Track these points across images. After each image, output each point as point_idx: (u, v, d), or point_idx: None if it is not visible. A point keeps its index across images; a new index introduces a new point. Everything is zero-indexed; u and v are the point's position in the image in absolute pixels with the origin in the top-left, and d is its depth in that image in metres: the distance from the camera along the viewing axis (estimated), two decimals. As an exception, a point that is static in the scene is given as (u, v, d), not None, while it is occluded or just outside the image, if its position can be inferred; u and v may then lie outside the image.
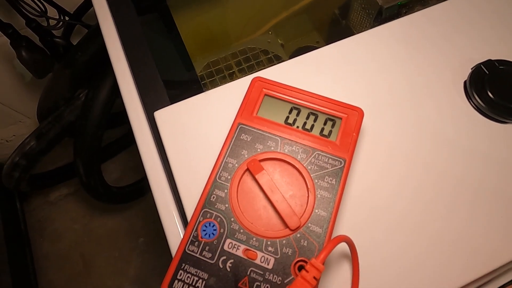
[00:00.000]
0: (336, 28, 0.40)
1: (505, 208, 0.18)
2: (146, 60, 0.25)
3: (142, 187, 0.72)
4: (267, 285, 0.14)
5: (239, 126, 0.18)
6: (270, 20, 0.38)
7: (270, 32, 0.39)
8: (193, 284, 0.15)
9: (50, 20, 0.41)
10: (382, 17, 0.34)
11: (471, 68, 0.22)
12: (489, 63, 0.21)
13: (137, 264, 0.76)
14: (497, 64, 0.21)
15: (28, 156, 0.46)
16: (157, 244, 0.78)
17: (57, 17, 0.41)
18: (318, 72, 0.22)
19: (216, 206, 0.16)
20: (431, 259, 0.17)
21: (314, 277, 0.13)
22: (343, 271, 0.17)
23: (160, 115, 0.21)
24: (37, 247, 0.77)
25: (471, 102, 0.21)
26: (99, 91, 0.40)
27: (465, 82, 0.22)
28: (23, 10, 0.37)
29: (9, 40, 0.38)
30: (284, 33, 0.39)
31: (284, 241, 0.15)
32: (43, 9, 0.39)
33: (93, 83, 0.41)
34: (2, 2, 0.36)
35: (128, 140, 0.82)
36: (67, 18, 0.42)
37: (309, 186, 0.16)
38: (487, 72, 0.21)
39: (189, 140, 0.20)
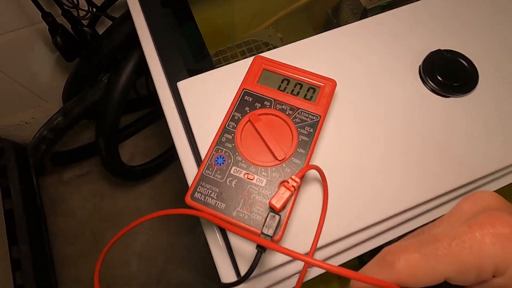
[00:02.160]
0: (329, 27, 0.46)
1: (439, 152, 0.24)
2: (169, 42, 0.31)
3: (151, 168, 0.79)
4: (260, 196, 0.21)
5: (243, 90, 0.24)
6: (272, 16, 0.44)
7: (271, 27, 0.45)
8: (208, 194, 0.21)
9: (80, 11, 0.47)
10: (367, 16, 0.40)
11: (426, 57, 0.28)
12: (438, 52, 0.28)
13: (143, 241, 0.82)
14: (444, 53, 0.28)
15: (55, 130, 0.52)
16: (161, 223, 0.84)
17: (86, 9, 0.47)
18: (306, 54, 0.28)
19: (225, 145, 0.22)
20: (385, 187, 0.23)
21: (293, 186, 0.20)
22: (317, 193, 0.23)
23: (182, 85, 0.28)
24: (50, 224, 0.83)
25: (423, 81, 0.27)
26: (120, 74, 0.47)
27: (419, 66, 0.28)
28: (61, 1, 0.43)
29: (47, 27, 0.44)
30: (283, 29, 0.45)
31: (273, 169, 0.21)
32: (76, 1, 0.45)
33: (115, 68, 0.48)
34: None
35: (137, 127, 0.88)
36: (94, 10, 0.49)
37: (293, 133, 0.22)
38: (436, 59, 0.27)
39: (204, 103, 0.26)
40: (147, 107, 0.87)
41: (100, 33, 0.49)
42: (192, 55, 0.32)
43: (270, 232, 0.19)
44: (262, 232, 0.19)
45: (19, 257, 0.71)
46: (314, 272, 0.23)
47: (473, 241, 0.12)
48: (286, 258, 0.21)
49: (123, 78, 0.46)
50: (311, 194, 0.23)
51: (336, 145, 0.25)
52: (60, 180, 0.88)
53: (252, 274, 0.19)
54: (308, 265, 0.21)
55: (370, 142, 0.25)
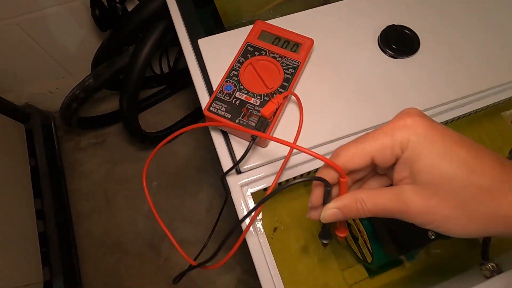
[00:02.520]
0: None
1: (388, 92, 0.34)
2: (192, 14, 0.41)
3: (160, 137, 0.89)
4: (255, 111, 0.30)
5: (247, 43, 0.34)
6: (272, 2, 0.54)
7: (271, 11, 0.55)
8: (219, 109, 0.31)
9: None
10: None
11: (382, 30, 0.38)
12: (392, 26, 0.37)
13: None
14: (396, 27, 0.37)
15: (86, 90, 0.62)
16: (168, 188, 0.94)
17: (119, -11, 0.57)
18: (295, 23, 0.38)
19: (232, 78, 0.32)
20: (343, 113, 0.33)
21: (277, 101, 0.29)
22: (296, 113, 0.32)
23: (201, 42, 0.37)
24: (68, 183, 0.93)
25: (380, 48, 0.37)
26: (145, 44, 0.56)
27: (378, 37, 0.38)
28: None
29: (83, 5, 0.54)
30: (281, 12, 0.55)
31: (265, 95, 0.31)
32: (112, -18, 0.55)
33: (140, 39, 0.57)
34: None
35: (150, 102, 0.98)
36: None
37: (280, 72, 0.32)
38: (390, 31, 0.37)
39: (217, 54, 0.36)
40: (160, 85, 0.97)
41: (129, 10, 0.58)
42: (208, 24, 0.41)
43: (261, 127, 0.28)
44: (255, 128, 0.28)
45: (42, 208, 0.81)
46: (296, 160, 0.33)
47: (387, 128, 0.20)
48: (272, 155, 0.31)
49: (147, 47, 0.56)
50: (291, 114, 0.33)
51: (310, 82, 0.34)
52: (77, 146, 0.98)
53: (246, 167, 0.28)
54: (291, 150, 0.31)
55: (336, 82, 0.34)
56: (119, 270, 0.84)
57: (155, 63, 0.94)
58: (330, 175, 0.22)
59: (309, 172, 0.33)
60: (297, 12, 0.40)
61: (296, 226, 0.48)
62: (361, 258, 0.42)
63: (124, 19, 0.57)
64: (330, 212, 0.22)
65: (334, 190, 0.23)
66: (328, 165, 0.21)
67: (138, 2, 0.61)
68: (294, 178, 0.32)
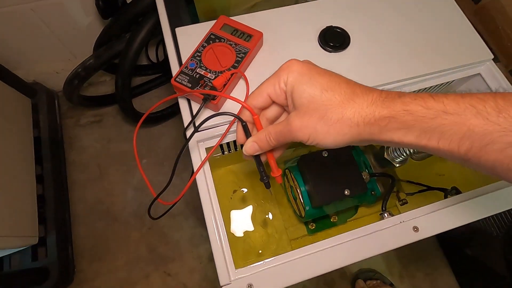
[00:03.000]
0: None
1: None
2: (175, 7, 0.50)
3: (152, 118, 0.98)
4: (210, 82, 0.40)
5: (211, 33, 0.44)
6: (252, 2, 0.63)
7: (251, 7, 0.65)
8: (183, 80, 0.40)
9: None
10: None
11: (321, 30, 0.47)
12: (329, 27, 0.47)
13: (139, 178, 1.01)
14: (332, 28, 0.47)
15: (87, 69, 0.72)
16: (156, 165, 1.03)
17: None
18: (255, 19, 0.47)
19: (196, 58, 0.42)
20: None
21: (226, 77, 0.39)
22: (243, 87, 0.42)
23: (178, 30, 0.47)
24: (66, 156, 1.02)
25: (319, 44, 0.47)
26: (140, 32, 0.66)
27: (318, 35, 0.47)
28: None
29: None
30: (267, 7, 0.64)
31: (219, 71, 0.41)
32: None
33: (136, 27, 0.67)
34: None
35: (144, 88, 1.08)
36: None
37: (233, 56, 0.42)
38: (327, 31, 0.47)
39: (189, 39, 0.46)
40: (155, 73, 1.07)
41: (128, 1, 0.68)
42: (188, 17, 0.51)
43: (211, 94, 0.38)
44: (204, 94, 0.38)
45: (42, 173, 0.91)
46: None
47: (275, 73, 0.29)
48: (224, 118, 0.41)
49: (141, 34, 0.66)
50: (240, 88, 0.42)
51: (259, 66, 0.44)
52: (77, 123, 1.08)
53: (202, 127, 0.38)
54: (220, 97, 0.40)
55: (277, 66, 0.44)
56: (106, 234, 0.94)
57: (151, 53, 1.04)
58: (246, 115, 0.31)
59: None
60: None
61: (252, 191, 0.58)
62: (299, 214, 0.51)
63: (123, 10, 0.67)
64: (249, 145, 0.31)
65: (254, 131, 0.32)
66: (244, 107, 0.31)
67: (136, -4, 0.71)
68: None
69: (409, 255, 0.96)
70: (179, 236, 0.94)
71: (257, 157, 0.33)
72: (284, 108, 0.32)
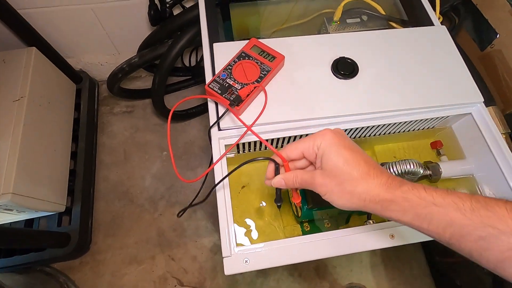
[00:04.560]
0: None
1: (334, 101, 0.52)
2: (214, 25, 0.60)
3: (180, 115, 1.09)
4: (236, 91, 0.49)
5: (242, 51, 0.53)
6: (278, 26, 0.73)
7: (276, 32, 0.74)
8: (215, 87, 0.49)
9: (167, -1, 0.78)
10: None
11: (334, 59, 0.55)
12: (341, 58, 0.55)
13: (158, 167, 1.11)
14: (344, 58, 0.55)
15: (131, 65, 0.83)
16: (175, 158, 1.13)
17: (170, -1, 0.79)
18: (281, 43, 0.56)
19: (227, 70, 0.51)
20: (294, 105, 0.51)
21: (250, 89, 0.48)
22: (262, 100, 0.51)
23: (216, 45, 0.57)
24: (98, 138, 1.14)
25: (332, 72, 0.55)
26: (180, 40, 0.77)
27: (331, 64, 0.55)
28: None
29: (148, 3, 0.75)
30: (286, 35, 0.74)
31: (245, 83, 0.50)
32: (166, -7, 0.76)
33: (178, 36, 0.78)
34: None
35: (176, 87, 1.19)
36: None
37: (258, 72, 0.51)
38: (339, 61, 0.55)
39: (224, 54, 0.55)
40: (185, 76, 1.18)
41: (175, 14, 0.79)
42: (224, 34, 0.61)
43: (235, 100, 0.47)
44: (232, 101, 0.47)
45: (76, 150, 1.02)
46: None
47: (312, 136, 0.35)
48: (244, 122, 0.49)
49: (181, 42, 0.76)
50: (258, 103, 0.51)
51: (276, 83, 0.53)
52: (111, 111, 1.20)
53: (224, 126, 0.47)
54: (246, 131, 0.49)
55: (297, 90, 0.53)
56: (123, 213, 1.04)
57: (186, 57, 1.15)
58: (279, 159, 0.39)
59: (255, 143, 0.51)
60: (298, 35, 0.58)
61: (259, 187, 0.66)
62: (296, 214, 0.59)
63: (169, 20, 0.78)
64: (277, 180, 0.38)
65: (282, 170, 0.39)
66: (277, 155, 0.38)
67: (182, 9, 0.82)
68: (255, 158, 0.51)
69: (398, 277, 1.00)
70: (186, 225, 1.03)
71: None
72: (312, 163, 0.39)
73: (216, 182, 0.46)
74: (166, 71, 0.80)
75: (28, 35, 0.89)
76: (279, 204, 0.42)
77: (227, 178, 0.48)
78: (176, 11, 0.82)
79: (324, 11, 0.74)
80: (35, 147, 0.82)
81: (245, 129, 0.50)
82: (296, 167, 0.39)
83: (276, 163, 0.39)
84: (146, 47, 0.86)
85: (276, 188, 0.41)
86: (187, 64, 1.14)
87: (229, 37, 0.63)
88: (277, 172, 0.39)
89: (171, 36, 0.82)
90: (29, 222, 0.90)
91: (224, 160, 0.50)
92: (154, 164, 1.12)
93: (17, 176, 0.73)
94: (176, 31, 0.80)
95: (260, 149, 0.59)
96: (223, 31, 0.66)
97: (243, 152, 0.60)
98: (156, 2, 0.79)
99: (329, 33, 0.68)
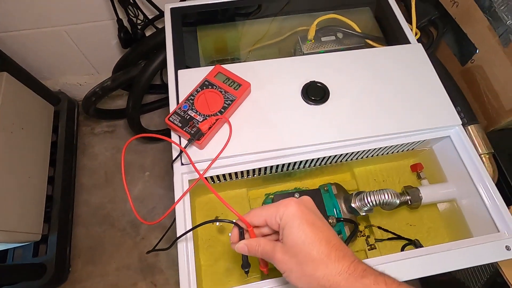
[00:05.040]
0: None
1: (302, 128, 0.49)
2: (180, 50, 0.58)
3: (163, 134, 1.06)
4: (198, 124, 0.46)
5: (205, 79, 0.50)
6: (250, 46, 0.70)
7: (250, 52, 0.71)
8: (176, 119, 0.47)
9: (138, 20, 0.76)
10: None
11: (304, 84, 0.53)
12: (311, 82, 0.53)
13: (140, 188, 1.08)
14: (314, 82, 0.53)
15: (104, 89, 0.80)
16: (157, 178, 1.10)
17: (142, 19, 0.76)
18: (244, 68, 0.54)
19: (189, 101, 0.48)
20: (258, 138, 0.48)
21: (211, 121, 0.45)
22: (226, 133, 0.48)
23: (180, 72, 0.54)
24: (78, 160, 1.11)
25: (302, 96, 0.52)
26: (153, 62, 0.74)
27: (301, 89, 0.53)
28: (128, 13, 0.72)
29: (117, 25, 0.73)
30: (258, 55, 0.71)
31: (207, 115, 0.47)
32: (137, 13, 0.74)
33: (150, 58, 0.76)
34: (120, 7, 0.72)
35: (155, 106, 1.16)
36: (147, 20, 0.77)
37: (222, 102, 0.48)
38: (309, 85, 0.52)
39: (188, 82, 0.52)
40: (167, 93, 1.16)
41: (147, 35, 0.77)
42: (189, 59, 0.58)
43: (195, 135, 0.44)
44: (192, 135, 0.44)
45: (54, 175, 0.99)
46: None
47: (276, 204, 0.32)
48: (206, 156, 0.47)
49: (154, 63, 0.74)
50: (224, 134, 0.48)
51: (242, 112, 0.50)
52: (92, 132, 1.17)
53: (188, 162, 0.44)
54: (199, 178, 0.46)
55: (264, 113, 0.50)
56: (103, 238, 1.00)
57: (165, 74, 1.13)
58: (243, 224, 0.36)
59: (224, 175, 0.48)
60: (271, 55, 0.56)
61: (232, 217, 0.63)
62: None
63: (141, 42, 0.76)
64: (241, 246, 0.35)
65: (247, 234, 0.36)
66: (242, 220, 0.35)
67: (155, 30, 0.80)
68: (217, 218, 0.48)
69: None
70: (169, 250, 0.99)
71: None
72: (276, 232, 0.36)
73: (177, 232, 0.43)
74: (139, 94, 0.77)
75: (-2, 60, 0.86)
76: (246, 270, 0.38)
77: (190, 219, 0.45)
78: (148, 31, 0.80)
79: (300, 29, 0.72)
80: (5, 177, 0.79)
81: (211, 160, 0.47)
82: (262, 234, 0.36)
83: (240, 228, 0.36)
84: (119, 69, 0.84)
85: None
86: (166, 81, 1.11)
87: (197, 62, 0.61)
88: (241, 236, 0.36)
89: (144, 57, 0.80)
90: (2, 254, 0.87)
91: (187, 198, 0.47)
92: (136, 186, 1.09)
93: (-16, 209, 0.70)
94: (149, 52, 0.78)
95: (236, 178, 0.55)
96: (194, 54, 0.64)
97: (218, 181, 0.57)
98: (125, 24, 0.76)
99: (303, 52, 0.65)
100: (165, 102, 1.16)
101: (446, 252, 0.44)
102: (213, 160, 0.45)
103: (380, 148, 0.53)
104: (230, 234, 0.37)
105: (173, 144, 0.49)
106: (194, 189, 0.47)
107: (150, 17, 0.77)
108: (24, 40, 0.91)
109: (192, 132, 0.46)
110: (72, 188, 1.04)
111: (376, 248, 0.58)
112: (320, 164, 0.55)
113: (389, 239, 0.58)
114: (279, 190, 0.60)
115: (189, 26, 0.65)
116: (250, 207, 0.60)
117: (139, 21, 0.77)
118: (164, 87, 1.14)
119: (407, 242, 0.53)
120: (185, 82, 0.53)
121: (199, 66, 0.56)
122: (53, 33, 0.91)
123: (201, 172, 0.44)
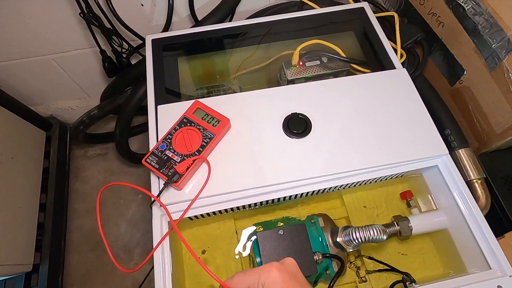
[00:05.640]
0: (275, 85, 0.71)
1: (284, 164, 0.48)
2: (161, 83, 0.57)
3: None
4: (175, 165, 0.45)
5: (184, 116, 0.49)
6: (235, 73, 0.70)
7: (235, 79, 0.71)
8: (153, 160, 0.46)
9: (122, 49, 0.76)
10: (293, 83, 0.65)
11: (286, 116, 0.52)
12: (293, 114, 0.51)
13: (133, 211, 1.07)
14: (296, 115, 0.51)
15: (91, 118, 0.80)
16: (149, 202, 1.09)
17: (127, 47, 0.76)
18: (224, 102, 0.53)
19: (167, 140, 0.47)
20: (239, 176, 0.47)
21: (189, 163, 0.44)
22: (205, 173, 0.47)
23: (160, 107, 0.53)
24: (70, 185, 1.10)
25: (283, 129, 0.51)
26: (138, 90, 0.74)
27: (283, 121, 0.52)
28: (112, 43, 0.72)
29: (100, 56, 0.73)
30: (243, 81, 0.70)
31: (185, 155, 0.46)
32: (121, 43, 0.74)
33: (136, 86, 0.75)
34: (102, 37, 0.72)
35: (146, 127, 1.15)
36: (131, 49, 0.77)
37: (200, 140, 0.47)
38: (291, 118, 0.51)
39: (167, 118, 0.51)
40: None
41: (132, 63, 0.77)
42: (170, 92, 0.58)
43: (172, 177, 0.43)
44: (169, 177, 0.43)
45: (45, 202, 0.98)
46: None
47: (259, 269, 0.31)
48: (185, 197, 0.45)
49: (140, 92, 0.73)
50: (204, 172, 0.47)
51: (223, 148, 0.49)
52: (85, 155, 1.17)
53: (167, 203, 0.43)
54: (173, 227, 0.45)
55: (245, 149, 0.49)
56: (96, 265, 0.99)
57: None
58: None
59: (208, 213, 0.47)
60: (257, 82, 0.54)
61: (219, 250, 0.61)
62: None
63: (126, 70, 0.76)
64: None
65: None
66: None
67: (141, 57, 0.79)
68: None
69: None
70: (163, 274, 0.97)
71: None
72: None
73: (155, 278, 0.42)
74: (126, 122, 0.77)
75: (-14, 91, 0.86)
76: None
77: (170, 265, 0.44)
78: (134, 59, 0.79)
79: (285, 53, 0.71)
80: (-6, 209, 0.78)
81: (191, 200, 0.46)
82: None
83: None
84: (107, 97, 0.83)
85: None
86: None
87: (178, 93, 0.60)
88: None
89: (129, 85, 0.79)
90: (-7, 286, 0.86)
91: (166, 241, 0.45)
92: (129, 209, 1.08)
93: (-29, 246, 0.69)
94: (134, 81, 0.77)
95: (220, 213, 0.54)
96: (176, 84, 0.63)
97: (202, 217, 0.56)
98: (109, 55, 0.76)
99: (287, 79, 0.65)
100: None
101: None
102: (191, 203, 0.44)
103: (368, 179, 0.51)
104: None
105: (152, 184, 0.48)
106: (180, 223, 0.46)
107: (134, 45, 0.77)
108: (13, 69, 0.91)
109: (170, 174, 0.44)
110: (64, 214, 1.03)
111: (367, 281, 0.56)
112: (307, 195, 0.54)
113: (379, 270, 0.57)
114: (267, 219, 0.59)
115: (171, 57, 0.65)
116: (238, 239, 0.59)
117: (123, 50, 0.76)
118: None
119: (396, 280, 0.51)
120: (164, 117, 0.52)
121: (180, 97, 0.55)
122: (42, 61, 0.91)
123: (178, 217, 0.42)
